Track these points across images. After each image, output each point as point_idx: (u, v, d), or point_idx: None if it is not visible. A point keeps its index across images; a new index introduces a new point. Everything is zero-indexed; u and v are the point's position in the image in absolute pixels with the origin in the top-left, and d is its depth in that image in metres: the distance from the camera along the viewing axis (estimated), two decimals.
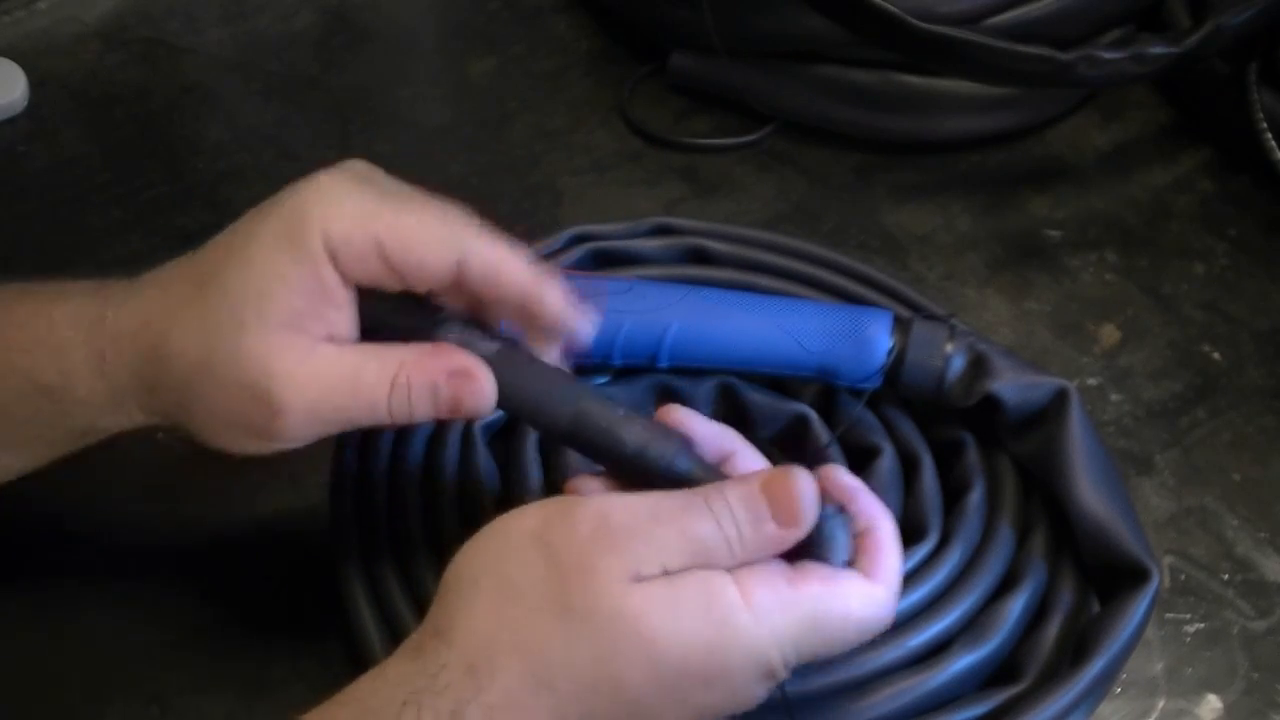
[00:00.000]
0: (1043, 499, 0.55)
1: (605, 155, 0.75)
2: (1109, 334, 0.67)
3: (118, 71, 0.78)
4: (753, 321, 0.56)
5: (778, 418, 0.58)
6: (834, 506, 0.44)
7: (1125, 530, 0.52)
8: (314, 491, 0.56)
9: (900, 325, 0.55)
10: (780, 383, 0.58)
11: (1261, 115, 0.70)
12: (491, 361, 0.47)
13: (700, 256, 0.62)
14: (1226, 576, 0.59)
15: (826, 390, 0.58)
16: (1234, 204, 0.73)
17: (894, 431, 0.57)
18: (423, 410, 0.46)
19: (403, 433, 0.56)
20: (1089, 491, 0.53)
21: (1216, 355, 0.67)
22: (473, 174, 0.73)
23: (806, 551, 0.44)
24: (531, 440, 0.56)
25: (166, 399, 0.47)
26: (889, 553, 0.44)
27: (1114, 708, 0.54)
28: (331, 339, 0.45)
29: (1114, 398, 0.65)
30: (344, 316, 0.46)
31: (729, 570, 0.42)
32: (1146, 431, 0.64)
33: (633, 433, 0.45)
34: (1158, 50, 0.67)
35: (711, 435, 0.47)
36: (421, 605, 0.52)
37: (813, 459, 0.56)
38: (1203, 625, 0.57)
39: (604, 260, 0.62)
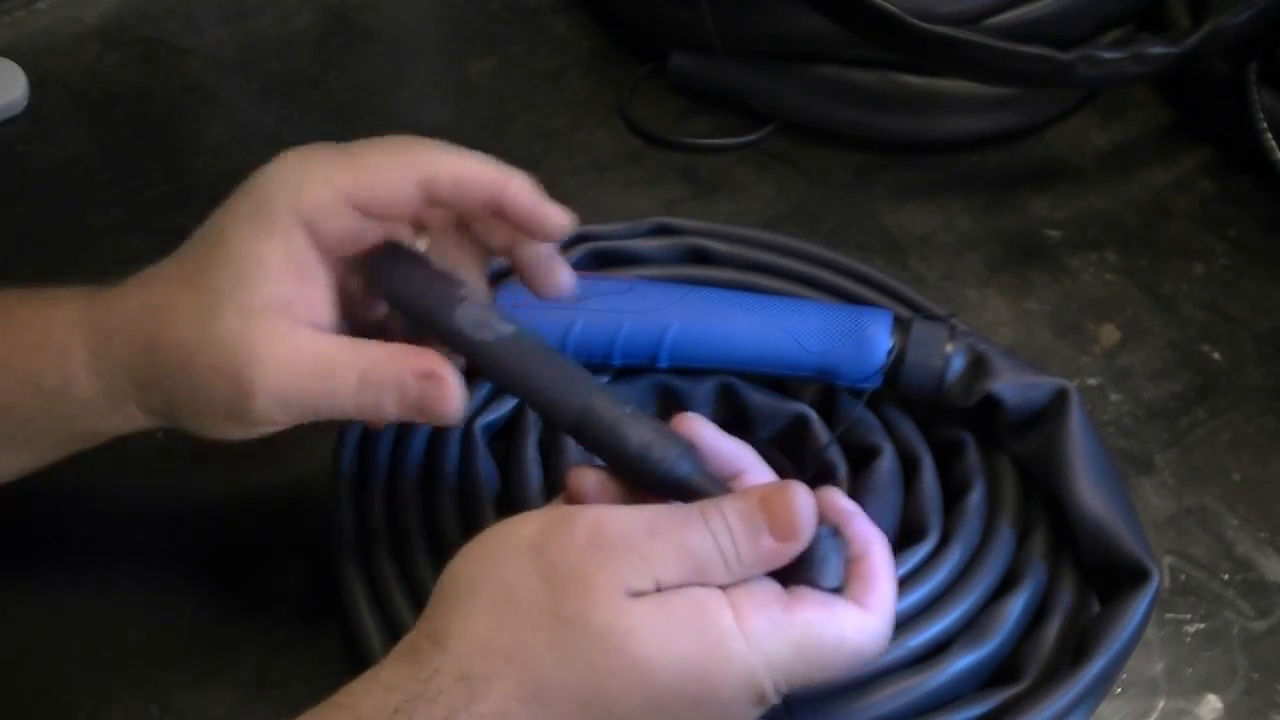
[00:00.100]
0: (1043, 499, 0.55)
1: (605, 155, 0.75)
2: (1109, 334, 0.67)
3: (118, 71, 0.78)
4: (753, 321, 0.56)
5: (778, 418, 0.58)
6: (829, 528, 0.44)
7: (1125, 530, 0.52)
8: (314, 491, 0.56)
9: (900, 325, 0.55)
10: (780, 383, 0.58)
11: (1261, 115, 0.70)
12: (505, 345, 0.47)
13: (700, 256, 0.62)
14: (1226, 576, 0.59)
15: (826, 390, 0.58)
16: (1234, 204, 0.73)
17: (894, 431, 0.57)
18: (390, 408, 0.46)
19: (403, 433, 0.56)
20: (1089, 491, 0.53)
21: (1216, 355, 0.67)
22: None
23: (798, 573, 0.43)
24: (531, 440, 0.56)
25: (160, 395, 0.47)
26: (883, 580, 0.44)
27: (1114, 708, 0.54)
28: (312, 323, 0.46)
29: (1114, 398, 0.65)
30: (323, 297, 0.47)
31: (725, 588, 0.42)
32: (1146, 431, 0.63)
33: (637, 432, 0.45)
34: (1158, 50, 0.67)
35: (726, 450, 0.46)
36: (421, 605, 0.51)
37: (813, 459, 0.56)
38: (1203, 625, 0.57)
39: (604, 260, 0.62)
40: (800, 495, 0.43)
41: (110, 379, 0.47)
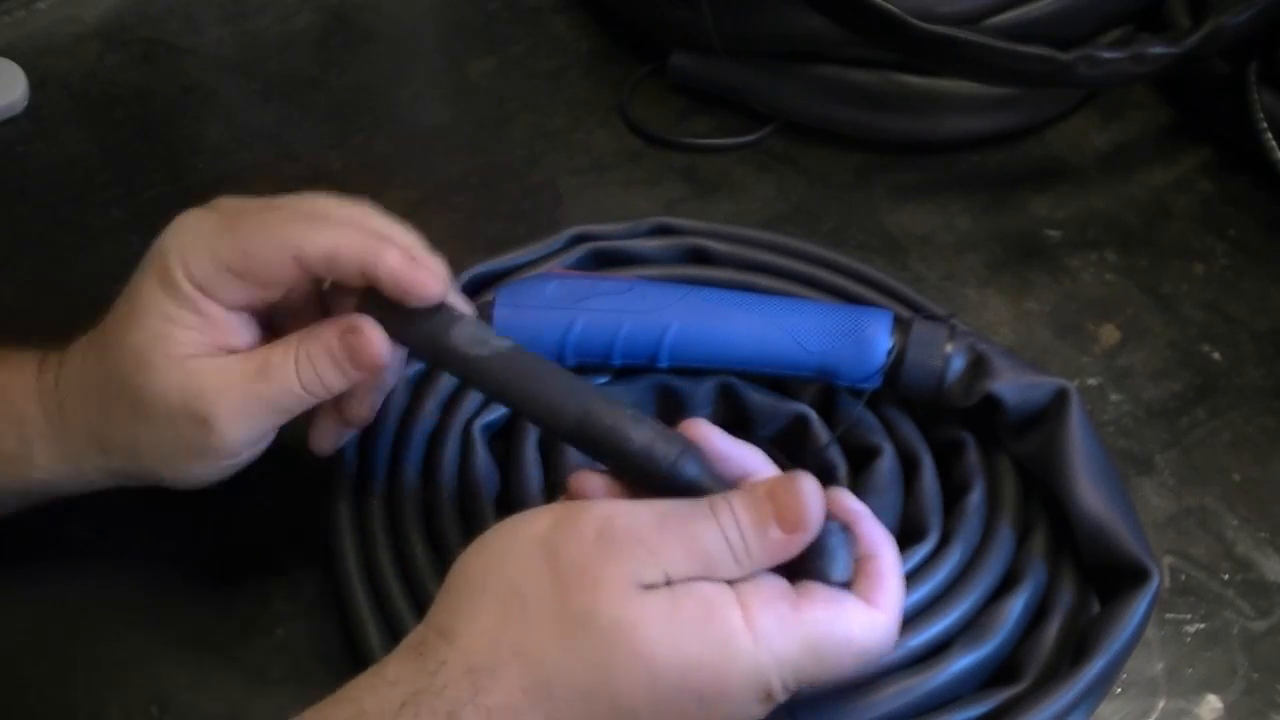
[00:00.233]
0: (1043, 499, 0.55)
1: (605, 155, 0.75)
2: (1109, 334, 0.67)
3: (118, 71, 0.78)
4: (753, 321, 0.56)
5: (778, 418, 0.58)
6: (837, 523, 0.44)
7: (1125, 530, 0.52)
8: (314, 491, 0.56)
9: (900, 325, 0.55)
10: (780, 383, 0.58)
11: (1261, 115, 0.70)
12: (500, 360, 0.48)
13: (700, 256, 0.62)
14: (1226, 576, 0.59)
15: (826, 390, 0.58)
16: (1234, 204, 0.73)
17: (894, 431, 0.57)
18: (330, 376, 0.49)
19: (402, 433, 0.57)
20: (1089, 491, 0.53)
21: (1216, 355, 0.67)
22: (473, 174, 0.73)
23: (807, 565, 0.43)
24: (531, 440, 0.56)
25: (122, 454, 0.50)
26: (891, 580, 0.44)
27: (1114, 708, 0.54)
28: (238, 347, 0.49)
29: (1114, 398, 0.65)
30: (240, 331, 0.49)
31: (733, 583, 0.42)
32: (1146, 431, 0.63)
33: (639, 433, 0.45)
34: (1158, 50, 0.67)
35: (734, 454, 0.47)
36: (421, 605, 0.52)
37: (813, 459, 0.56)
38: (1203, 625, 0.57)
39: (604, 260, 0.62)
40: (807, 486, 0.43)
41: (69, 445, 0.50)
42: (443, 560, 0.53)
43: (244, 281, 0.48)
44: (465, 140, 0.76)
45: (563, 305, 0.57)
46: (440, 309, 0.49)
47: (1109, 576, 0.52)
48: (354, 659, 0.52)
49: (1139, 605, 0.50)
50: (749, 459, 0.47)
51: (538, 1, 0.83)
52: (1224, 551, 0.59)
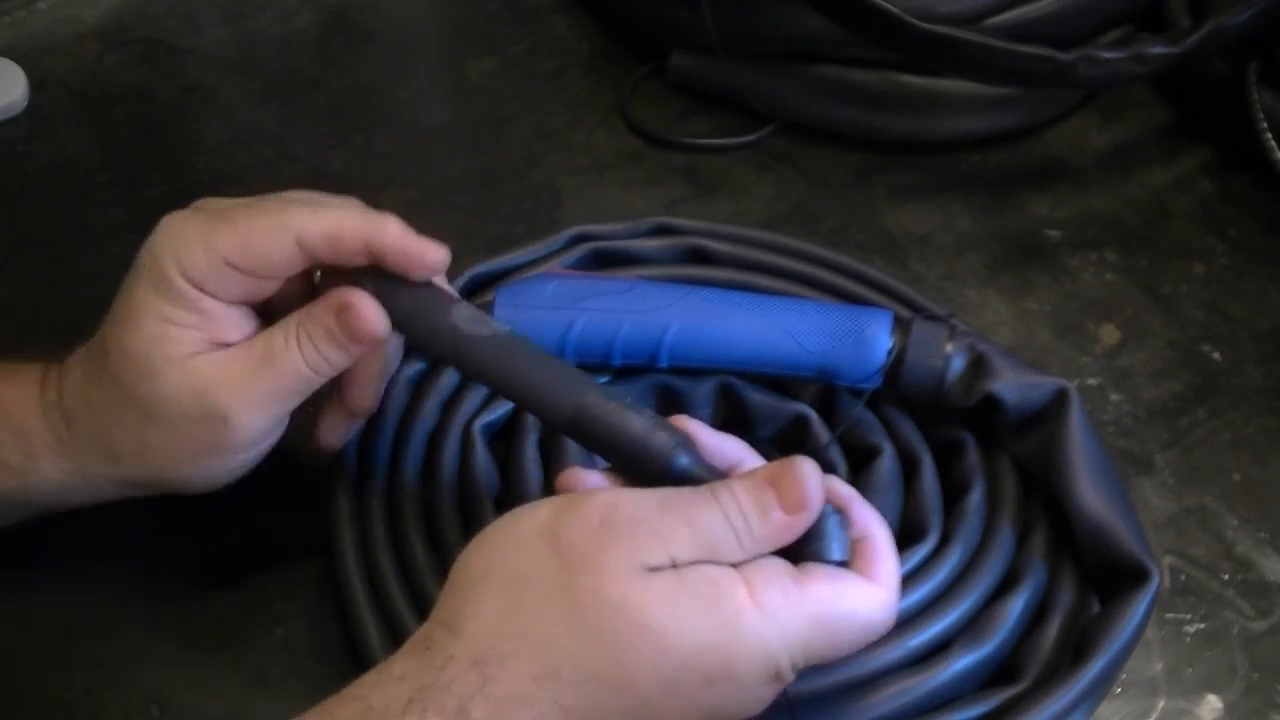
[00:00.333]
0: (1043, 499, 0.55)
1: (605, 155, 0.75)
2: (1109, 334, 0.67)
3: (118, 71, 0.78)
4: (753, 321, 0.56)
5: (778, 418, 0.58)
6: (831, 507, 0.45)
7: (1125, 530, 0.52)
8: (314, 491, 0.56)
9: (900, 325, 0.55)
10: (780, 383, 0.58)
11: (1261, 115, 0.70)
12: (502, 341, 0.48)
13: (700, 256, 0.62)
14: (1226, 576, 0.59)
15: (826, 390, 0.58)
16: (1234, 204, 0.73)
17: (894, 431, 0.57)
18: (333, 354, 0.49)
19: (402, 432, 0.57)
20: (1089, 491, 0.53)
21: (1216, 355, 0.67)
22: (473, 174, 0.73)
23: (806, 549, 0.44)
24: (531, 440, 0.56)
25: (133, 464, 0.50)
26: (886, 557, 0.45)
27: (1114, 708, 0.54)
28: (238, 340, 0.49)
29: (1114, 398, 0.65)
30: (238, 325, 0.49)
31: (737, 566, 0.42)
32: (1146, 431, 0.63)
33: (637, 422, 0.46)
34: (1158, 50, 0.67)
35: (719, 446, 0.47)
36: (421, 605, 0.52)
37: (813, 459, 0.56)
38: (1203, 625, 0.57)
39: (604, 260, 0.62)
40: (807, 468, 0.44)
41: (77, 459, 0.50)
42: (443, 560, 0.53)
43: (242, 274, 0.48)
44: (465, 140, 0.76)
45: (563, 305, 0.57)
46: (439, 291, 0.49)
47: (1109, 576, 0.52)
48: (354, 659, 0.52)
49: (1139, 605, 0.50)
50: (737, 451, 0.48)
51: (538, 1, 0.83)
52: (1224, 551, 0.59)
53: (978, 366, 0.55)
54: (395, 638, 0.51)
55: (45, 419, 0.50)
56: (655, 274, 0.60)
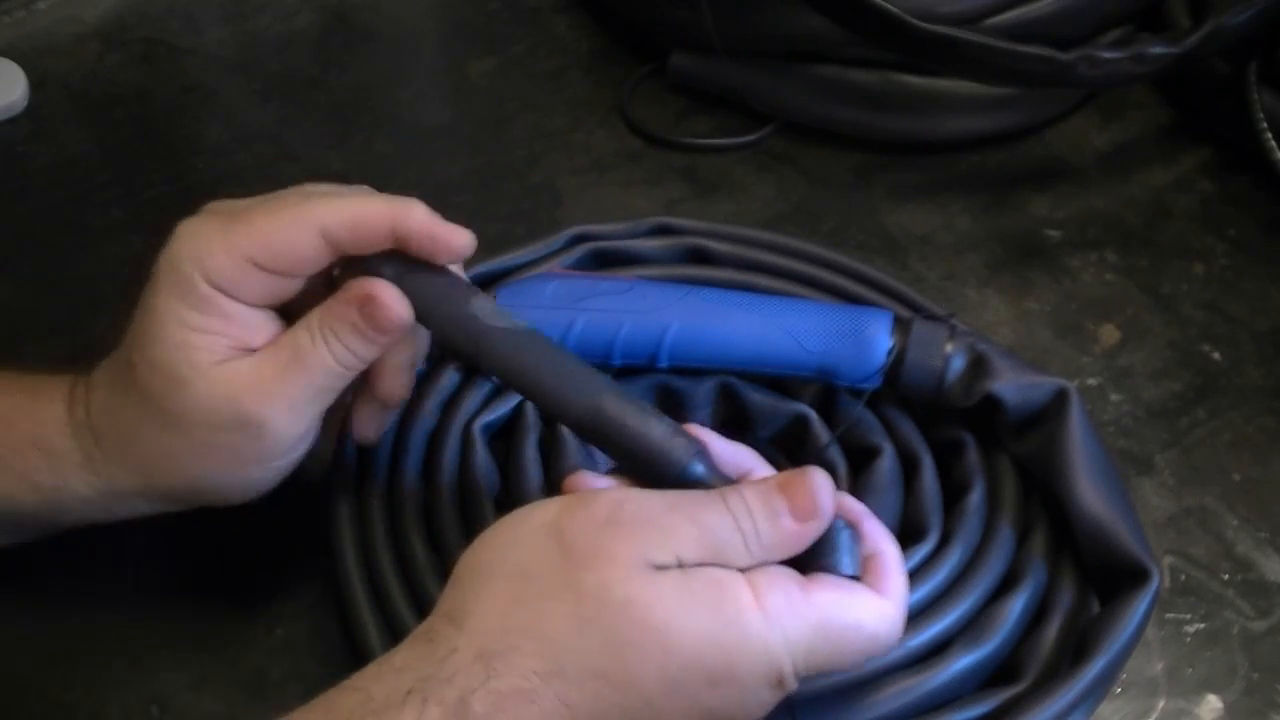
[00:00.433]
0: (1043, 499, 0.55)
1: (605, 155, 0.75)
2: (1109, 334, 0.67)
3: (118, 71, 0.78)
4: (753, 321, 0.56)
5: (778, 418, 0.58)
6: (843, 521, 0.45)
7: (1125, 530, 0.52)
8: (314, 491, 0.56)
9: (900, 325, 0.55)
10: (780, 383, 0.58)
11: (1261, 115, 0.70)
12: (520, 335, 0.48)
13: (700, 256, 0.62)
14: (1226, 576, 0.59)
15: (826, 390, 0.58)
16: (1234, 204, 0.73)
17: (894, 431, 0.57)
18: (360, 347, 0.48)
19: (402, 432, 0.56)
20: (1089, 491, 0.53)
21: (1216, 355, 0.67)
22: (473, 174, 0.73)
23: (815, 559, 0.44)
24: (531, 440, 0.56)
25: (164, 480, 0.49)
26: (896, 573, 0.45)
27: (1114, 708, 0.54)
28: (263, 344, 0.48)
29: (1114, 398, 0.65)
30: (263, 328, 0.48)
31: (744, 571, 0.42)
32: (1146, 431, 0.63)
33: (657, 428, 0.45)
34: (1158, 50, 0.67)
35: (729, 454, 0.47)
36: (421, 605, 0.52)
37: (813, 459, 0.56)
38: (1203, 625, 0.57)
39: (604, 260, 0.62)
40: (819, 478, 0.44)
41: (110, 477, 0.49)
42: (443, 560, 0.53)
43: (267, 273, 0.47)
44: (465, 140, 0.76)
45: (563, 305, 0.57)
46: (458, 280, 0.49)
47: (1109, 576, 0.52)
48: (354, 659, 0.52)
49: (1139, 605, 0.50)
50: (748, 460, 0.47)
51: (538, 1, 0.83)
52: (1224, 551, 0.59)
53: (978, 366, 0.55)
54: (395, 638, 0.51)
55: (75, 437, 0.49)
56: (655, 274, 0.60)
